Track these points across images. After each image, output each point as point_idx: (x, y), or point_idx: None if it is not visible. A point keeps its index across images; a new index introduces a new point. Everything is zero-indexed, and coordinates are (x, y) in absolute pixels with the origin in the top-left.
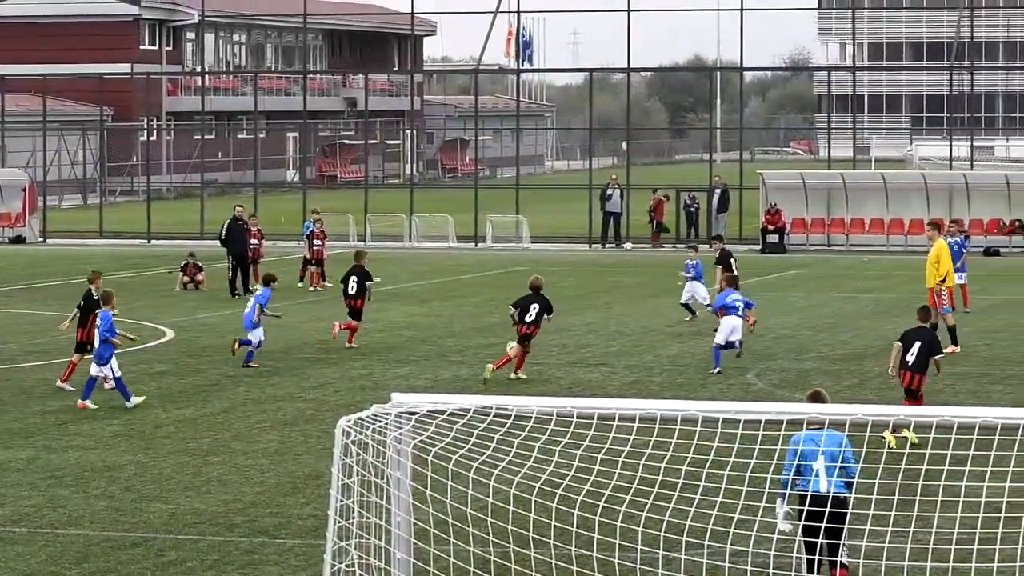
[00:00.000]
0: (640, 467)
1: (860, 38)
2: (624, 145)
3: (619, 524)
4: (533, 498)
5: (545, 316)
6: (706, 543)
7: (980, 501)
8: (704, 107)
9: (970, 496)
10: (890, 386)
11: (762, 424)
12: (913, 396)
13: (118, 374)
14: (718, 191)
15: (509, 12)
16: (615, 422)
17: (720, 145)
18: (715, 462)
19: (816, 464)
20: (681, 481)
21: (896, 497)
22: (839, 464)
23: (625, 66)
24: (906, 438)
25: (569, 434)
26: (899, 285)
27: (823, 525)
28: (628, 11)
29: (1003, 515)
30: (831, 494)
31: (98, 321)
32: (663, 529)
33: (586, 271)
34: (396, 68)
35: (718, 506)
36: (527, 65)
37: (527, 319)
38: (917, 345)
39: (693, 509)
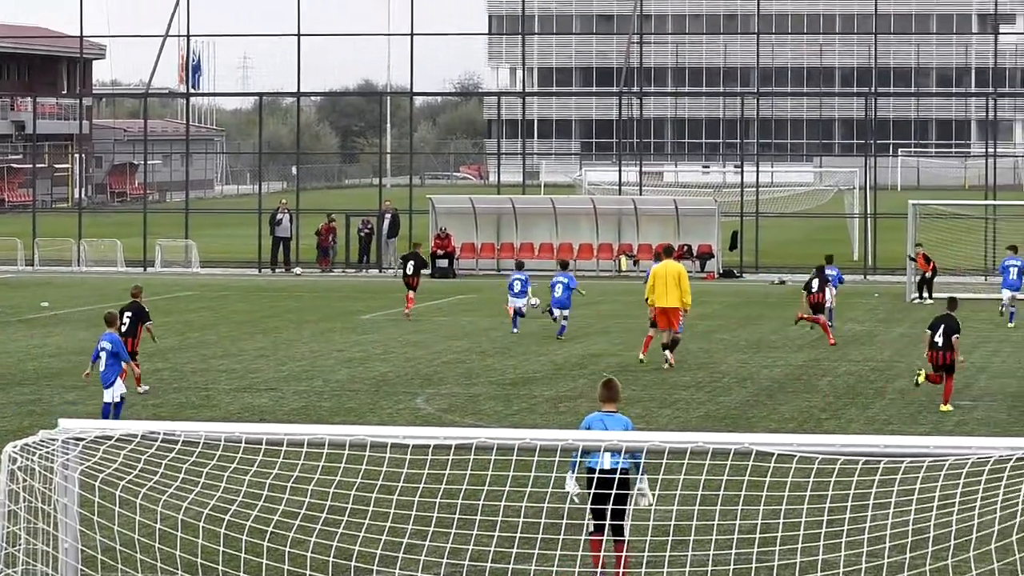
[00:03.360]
0: (309, 492)
1: (530, 64)
2: (294, 169)
3: (288, 549)
4: (201, 524)
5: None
6: (375, 568)
7: (648, 525)
8: (374, 132)
9: (638, 520)
10: (559, 411)
11: (431, 449)
12: (948, 371)
13: (118, 398)
14: (388, 216)
15: (179, 36)
16: (284, 447)
17: (390, 170)
18: (384, 487)
19: None
20: (350, 506)
21: (564, 521)
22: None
23: (295, 90)
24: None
25: (237, 459)
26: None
27: (603, 498)
28: (298, 36)
29: (671, 538)
30: (614, 470)
31: (105, 344)
32: (331, 554)
33: (256, 296)
34: (65, 91)
35: (387, 531)
36: (197, 89)
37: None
38: (942, 328)
39: (362, 534)
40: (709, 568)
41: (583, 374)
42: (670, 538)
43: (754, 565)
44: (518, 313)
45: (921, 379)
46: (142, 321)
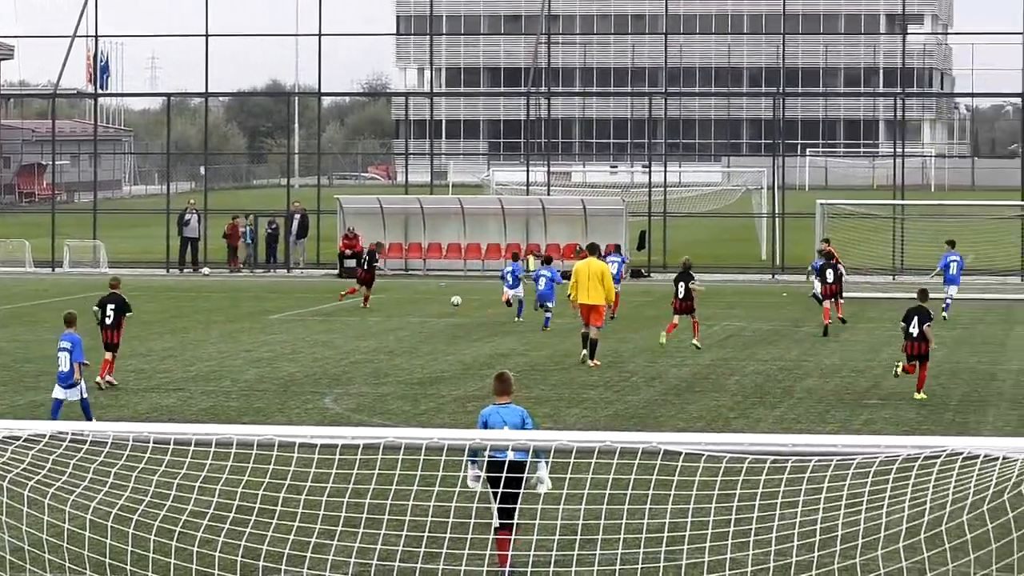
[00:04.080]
0: (217, 492)
1: (438, 64)
2: (202, 170)
3: (195, 549)
4: (110, 524)
5: (693, 288)
6: (283, 568)
7: (556, 524)
8: (282, 132)
9: (545, 519)
10: (467, 410)
11: (339, 449)
12: (923, 360)
13: (86, 395)
14: (296, 216)
15: (87, 36)
16: (191, 447)
17: (298, 170)
18: (292, 486)
19: None
20: (257, 506)
21: (472, 521)
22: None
23: (203, 90)
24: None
25: (145, 459)
26: (475, 309)
27: (507, 486)
28: (206, 36)
29: (579, 538)
30: (518, 462)
31: (65, 344)
32: (239, 554)
33: (164, 296)
34: None
35: (295, 530)
36: (105, 89)
37: (679, 295)
38: (916, 319)
39: (270, 534)
40: (617, 567)
41: (491, 374)
42: (578, 537)
43: (662, 564)
44: (510, 303)
45: (899, 371)
46: (124, 313)
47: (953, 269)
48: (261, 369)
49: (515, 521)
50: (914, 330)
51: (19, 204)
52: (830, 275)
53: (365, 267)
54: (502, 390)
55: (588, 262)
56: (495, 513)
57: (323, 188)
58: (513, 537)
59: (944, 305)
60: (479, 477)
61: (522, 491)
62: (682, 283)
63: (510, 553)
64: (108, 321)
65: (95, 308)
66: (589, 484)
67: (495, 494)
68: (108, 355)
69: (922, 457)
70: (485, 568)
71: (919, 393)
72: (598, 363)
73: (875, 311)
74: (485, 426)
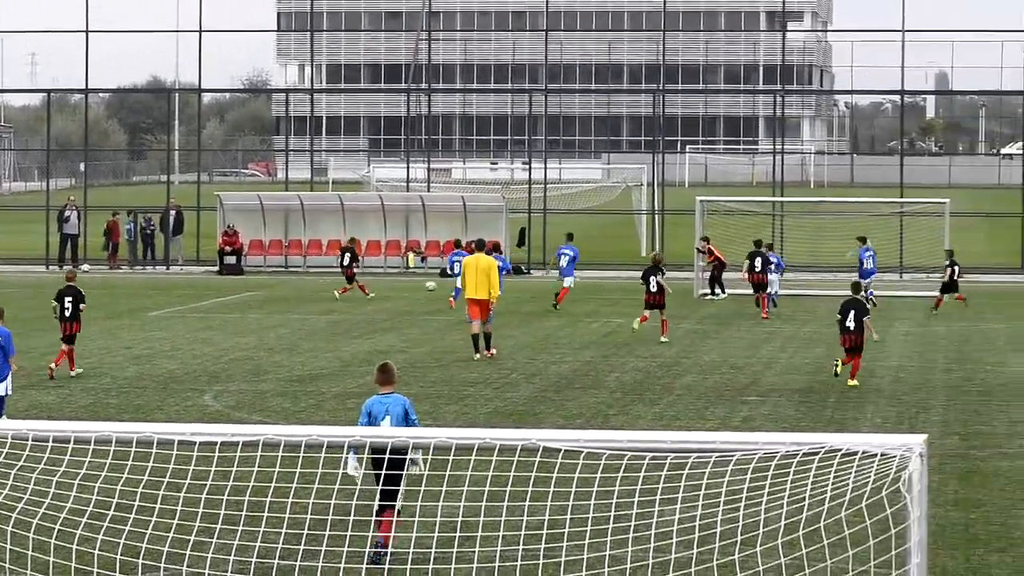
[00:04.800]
0: (96, 490)
1: (318, 60)
2: (82, 166)
3: (75, 547)
4: None
5: (662, 280)
6: (162, 565)
7: (436, 521)
8: (163, 128)
9: (425, 516)
10: (346, 407)
11: (218, 446)
12: (857, 351)
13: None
14: (172, 212)
15: None
16: (71, 445)
17: (179, 166)
18: (171, 484)
19: (383, 423)
20: (137, 504)
21: (352, 518)
22: (405, 423)
23: (83, 87)
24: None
25: (24, 457)
26: (355, 307)
27: (390, 472)
28: (87, 32)
29: (458, 535)
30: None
31: None
32: (120, 552)
33: (44, 293)
34: None
35: (174, 528)
36: None
37: (651, 289)
38: (852, 313)
39: (149, 532)
40: (496, 564)
41: (370, 371)
42: (457, 534)
43: (542, 561)
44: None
45: (840, 368)
46: (80, 304)
47: (869, 263)
48: (141, 366)
49: (397, 510)
50: (851, 323)
51: None
52: (758, 264)
53: (346, 264)
54: (385, 380)
55: (476, 258)
56: (377, 496)
57: (203, 184)
58: (394, 528)
59: (869, 295)
60: (357, 466)
61: (403, 480)
62: (652, 277)
63: (391, 535)
64: (67, 313)
65: (54, 303)
66: (468, 481)
67: (377, 478)
68: (65, 347)
69: (800, 454)
70: (364, 566)
71: (853, 380)
72: (495, 352)
73: (754, 308)
74: (369, 415)
